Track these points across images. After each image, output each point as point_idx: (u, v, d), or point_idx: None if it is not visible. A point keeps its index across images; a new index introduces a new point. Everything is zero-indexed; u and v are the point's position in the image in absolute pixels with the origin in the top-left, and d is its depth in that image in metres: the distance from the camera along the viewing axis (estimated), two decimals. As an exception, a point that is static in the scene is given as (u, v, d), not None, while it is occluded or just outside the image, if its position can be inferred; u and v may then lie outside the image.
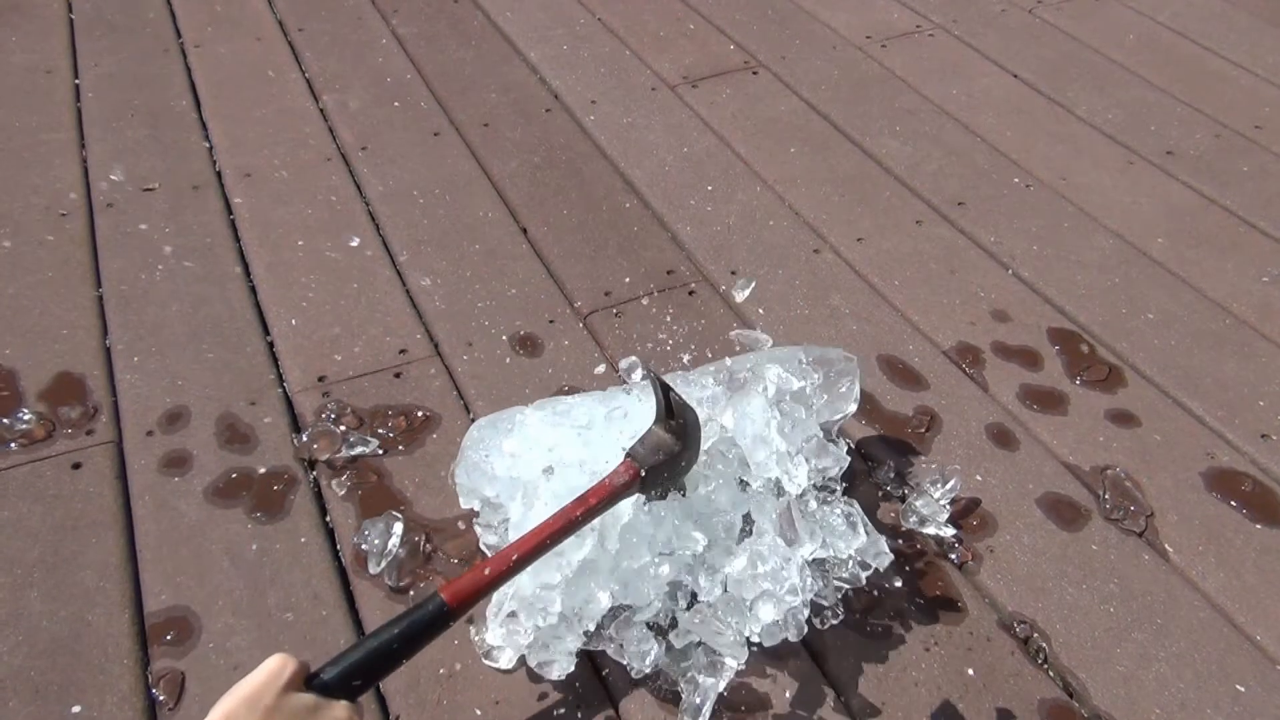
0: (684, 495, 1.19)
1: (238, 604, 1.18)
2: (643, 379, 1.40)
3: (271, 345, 1.53)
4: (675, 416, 1.13)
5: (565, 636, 1.10)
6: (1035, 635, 1.18)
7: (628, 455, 1.11)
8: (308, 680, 0.87)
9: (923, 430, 1.42)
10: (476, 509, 1.27)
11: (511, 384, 1.47)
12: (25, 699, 1.08)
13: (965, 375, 1.51)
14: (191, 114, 2.05)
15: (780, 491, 1.21)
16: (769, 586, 1.11)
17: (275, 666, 0.84)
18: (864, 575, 1.18)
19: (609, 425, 1.21)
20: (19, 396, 1.42)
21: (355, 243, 1.72)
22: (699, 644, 1.12)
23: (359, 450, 1.36)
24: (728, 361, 1.35)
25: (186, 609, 1.17)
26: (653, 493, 1.15)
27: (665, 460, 1.12)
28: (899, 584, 1.22)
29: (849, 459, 1.28)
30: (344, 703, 0.87)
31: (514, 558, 1.01)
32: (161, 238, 1.72)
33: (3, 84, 2.11)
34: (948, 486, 1.30)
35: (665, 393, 1.13)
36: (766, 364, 1.29)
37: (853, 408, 1.32)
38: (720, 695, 1.10)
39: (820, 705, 1.11)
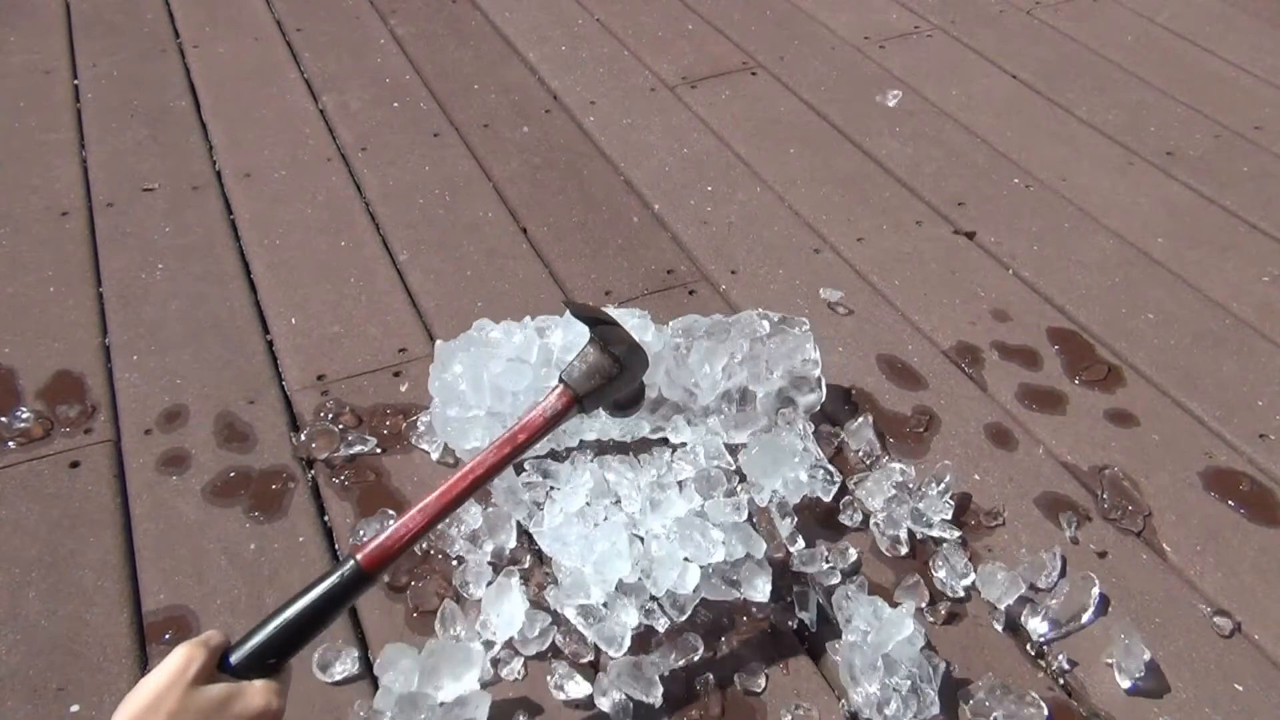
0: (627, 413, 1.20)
1: (236, 603, 1.18)
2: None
3: (271, 344, 1.53)
4: (612, 344, 1.09)
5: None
6: (1034, 634, 1.18)
7: (561, 379, 1.07)
8: (222, 662, 0.82)
9: (921, 430, 1.42)
10: (445, 441, 1.33)
11: (510, 383, 1.47)
12: (23, 698, 1.08)
13: (964, 375, 1.51)
14: (191, 114, 2.05)
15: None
16: None
17: (177, 664, 0.77)
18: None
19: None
20: (17, 395, 1.42)
21: (356, 243, 1.72)
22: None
23: (357, 449, 1.36)
24: (691, 318, 1.39)
25: (185, 608, 1.17)
26: (591, 414, 1.13)
27: (602, 384, 1.08)
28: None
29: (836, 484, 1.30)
30: (261, 683, 0.81)
31: (432, 512, 0.96)
32: (161, 237, 1.72)
33: (2, 84, 2.11)
34: (946, 486, 1.30)
35: (592, 321, 1.10)
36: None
37: (816, 370, 1.35)
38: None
39: (817, 701, 1.11)
